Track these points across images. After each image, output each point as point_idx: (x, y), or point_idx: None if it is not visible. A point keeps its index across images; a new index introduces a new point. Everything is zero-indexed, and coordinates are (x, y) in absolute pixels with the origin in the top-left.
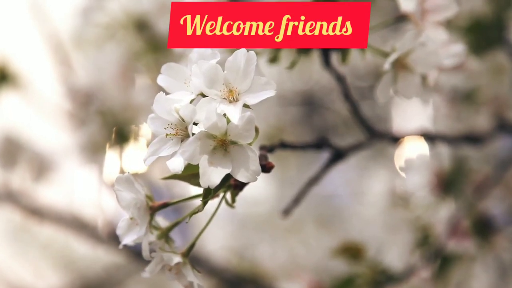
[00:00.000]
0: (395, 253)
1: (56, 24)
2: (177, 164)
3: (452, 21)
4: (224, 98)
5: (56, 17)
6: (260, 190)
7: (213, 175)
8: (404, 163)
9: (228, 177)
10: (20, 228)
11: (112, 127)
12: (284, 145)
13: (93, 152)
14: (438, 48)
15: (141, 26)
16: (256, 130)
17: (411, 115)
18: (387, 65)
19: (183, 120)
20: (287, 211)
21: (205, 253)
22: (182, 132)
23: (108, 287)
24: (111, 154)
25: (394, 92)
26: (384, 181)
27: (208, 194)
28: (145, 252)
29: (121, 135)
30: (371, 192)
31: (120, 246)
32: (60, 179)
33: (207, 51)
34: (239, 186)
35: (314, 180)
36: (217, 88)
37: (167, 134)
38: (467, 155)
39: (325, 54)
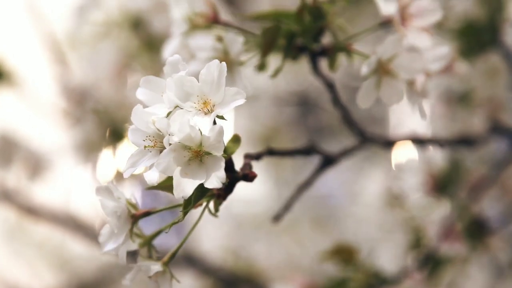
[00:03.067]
0: (388, 255)
1: (51, 23)
2: (153, 177)
3: (444, 24)
4: (199, 110)
5: (52, 16)
6: (255, 190)
7: (186, 186)
8: (399, 165)
9: (208, 187)
10: (16, 228)
11: (107, 126)
12: (271, 152)
13: (88, 150)
14: (422, 53)
15: (137, 24)
16: (238, 139)
17: (408, 116)
18: (365, 69)
19: (160, 132)
20: (278, 217)
21: (201, 253)
22: (160, 144)
23: (104, 287)
24: (106, 153)
25: (378, 98)
26: (379, 182)
27: (189, 204)
28: (122, 260)
29: (116, 134)
30: (366, 193)
31: (101, 253)
32: (55, 178)
33: (178, 61)
34: (222, 196)
35: (304, 186)
36: (192, 100)
37: (145, 146)
38: (462, 157)
39: (314, 60)
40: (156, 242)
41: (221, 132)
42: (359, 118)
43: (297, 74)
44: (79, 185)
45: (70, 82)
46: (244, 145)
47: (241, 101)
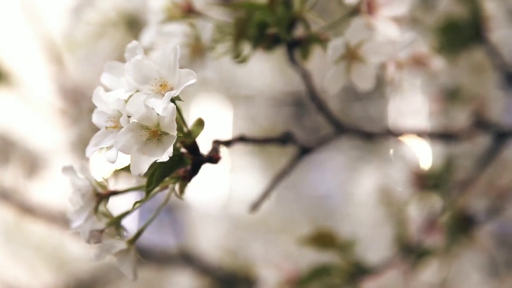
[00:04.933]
0: (376, 248)
1: (47, 22)
2: (112, 155)
3: (426, 21)
4: (157, 93)
5: (48, 16)
6: (253, 190)
7: (142, 163)
8: (387, 160)
9: (171, 168)
10: (14, 228)
11: None
12: (243, 139)
13: (85, 149)
14: (389, 39)
15: (132, 24)
16: (202, 122)
17: (406, 115)
18: (330, 52)
19: (121, 113)
20: (255, 206)
21: (199, 252)
22: (120, 124)
23: (101, 287)
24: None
25: (349, 83)
26: (373, 181)
27: (150, 183)
28: (84, 237)
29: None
30: (361, 192)
31: (69, 231)
32: (52, 177)
33: (136, 47)
34: (187, 177)
35: (281, 175)
36: (150, 83)
37: (106, 127)
38: (450, 153)
39: (289, 51)
40: (155, 241)
41: (173, 111)
42: (357, 117)
43: (293, 75)
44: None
45: (66, 81)
46: (243, 146)
47: (193, 81)
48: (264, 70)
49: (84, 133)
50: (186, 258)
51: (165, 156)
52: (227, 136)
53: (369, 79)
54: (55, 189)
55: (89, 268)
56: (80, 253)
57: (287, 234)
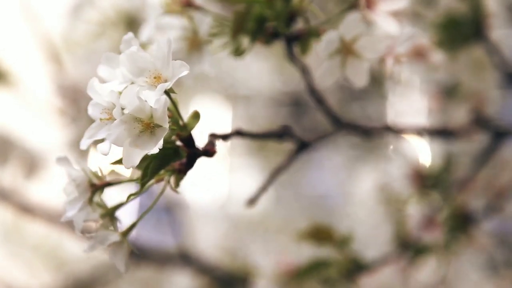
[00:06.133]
0: (376, 246)
1: (46, 22)
2: (105, 147)
3: (428, 17)
4: (151, 85)
5: (47, 15)
6: (252, 190)
7: (135, 156)
8: (386, 159)
9: (166, 161)
10: (12, 228)
11: None
12: (240, 133)
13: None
14: (386, 34)
15: (131, 23)
16: (197, 115)
17: (405, 114)
18: (323, 45)
19: (114, 106)
20: (252, 200)
21: (197, 252)
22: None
23: (100, 287)
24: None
25: (343, 78)
26: (372, 179)
27: (145, 176)
28: (77, 227)
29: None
30: (361, 192)
31: (62, 220)
32: (51, 176)
33: (131, 38)
34: (182, 170)
35: (280, 169)
36: (144, 75)
37: (101, 119)
38: (450, 151)
39: (288, 45)
40: (154, 241)
41: (166, 103)
42: (355, 116)
43: (292, 75)
44: None
45: (65, 81)
46: (242, 145)
47: (185, 72)
48: (263, 70)
49: (83, 133)
50: (184, 258)
51: (155, 148)
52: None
53: (364, 75)
54: (54, 189)
55: (88, 268)
56: (79, 253)
57: (286, 234)
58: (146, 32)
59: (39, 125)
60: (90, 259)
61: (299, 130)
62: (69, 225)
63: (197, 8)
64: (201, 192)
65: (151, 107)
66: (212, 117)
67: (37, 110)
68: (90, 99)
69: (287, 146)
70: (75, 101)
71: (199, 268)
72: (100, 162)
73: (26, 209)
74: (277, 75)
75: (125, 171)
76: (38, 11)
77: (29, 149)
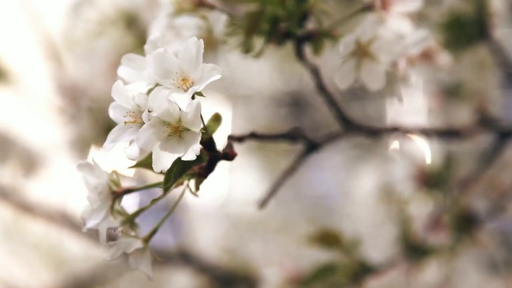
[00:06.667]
0: (378, 246)
1: (46, 20)
2: (133, 151)
3: (432, 17)
4: (178, 87)
5: (47, 13)
6: (252, 190)
7: (165, 160)
8: (389, 158)
9: (188, 164)
10: (12, 227)
11: (102, 123)
12: (254, 136)
13: (83, 147)
14: (402, 38)
15: (131, 22)
16: (219, 118)
17: (405, 114)
18: (342, 48)
19: (140, 108)
20: (263, 203)
21: (197, 251)
22: (140, 120)
23: (100, 286)
24: (100, 150)
25: (358, 80)
26: (373, 179)
27: (168, 180)
28: (102, 236)
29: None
30: (361, 190)
31: (84, 230)
32: (50, 175)
33: (157, 40)
34: (203, 174)
35: (289, 171)
36: (171, 77)
37: (125, 122)
38: (452, 151)
39: (299, 45)
40: (154, 240)
41: (198, 108)
42: (355, 116)
43: (292, 74)
44: (75, 182)
45: (65, 79)
46: (242, 145)
47: (217, 77)
48: (263, 70)
49: (83, 131)
50: (184, 257)
51: (191, 154)
52: (226, 136)
53: (379, 77)
54: (54, 187)
55: (88, 267)
56: (78, 251)
57: (286, 234)
58: (156, 30)
59: (39, 123)
60: (90, 258)
61: None
62: (69, 223)
63: (210, 6)
64: (201, 192)
65: (180, 110)
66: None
67: (37, 109)
68: (90, 97)
69: (287, 146)
70: (74, 99)
71: (199, 267)
72: (104, 164)
73: (26, 207)
74: (277, 75)
75: (127, 171)
76: (38, 10)
77: (29, 148)
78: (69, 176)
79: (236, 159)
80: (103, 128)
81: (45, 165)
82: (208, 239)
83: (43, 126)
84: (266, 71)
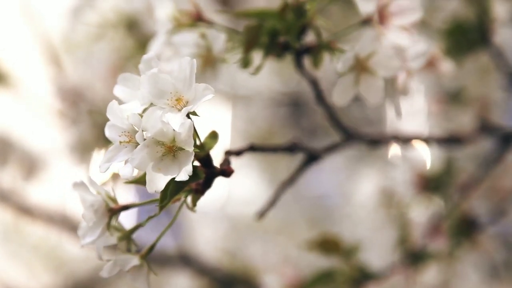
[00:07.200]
0: (377, 251)
1: (46, 24)
2: (127, 171)
3: (433, 24)
4: (172, 107)
5: (47, 17)
6: (250, 191)
7: (159, 180)
8: (390, 164)
9: (184, 183)
10: (12, 229)
11: (102, 127)
12: (253, 149)
13: (83, 151)
14: (402, 51)
15: (131, 25)
16: (215, 135)
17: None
18: (340, 64)
19: (135, 128)
20: (262, 213)
21: (197, 253)
22: (135, 139)
23: (100, 287)
24: (101, 154)
25: (357, 96)
26: (374, 182)
27: (164, 198)
28: (98, 253)
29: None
30: (360, 194)
31: (80, 246)
32: (50, 178)
33: (151, 59)
34: (200, 191)
35: (288, 182)
36: (165, 97)
37: (120, 142)
38: (453, 155)
39: (298, 58)
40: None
41: (190, 127)
42: (354, 120)
43: (291, 76)
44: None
45: (65, 83)
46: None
47: (210, 96)
48: (263, 71)
49: (83, 135)
50: (184, 259)
51: (183, 174)
52: (226, 136)
53: (378, 92)
54: (53, 190)
55: (87, 268)
56: (78, 253)
57: (286, 235)
58: (155, 47)
59: (39, 126)
60: (89, 260)
61: (298, 131)
62: (68, 226)
63: (208, 22)
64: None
65: (174, 130)
66: (211, 117)
67: (37, 112)
68: (90, 101)
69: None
70: (74, 103)
71: (199, 269)
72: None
73: (26, 210)
74: (276, 76)
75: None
76: (38, 13)
77: (29, 151)
78: (68, 179)
79: (236, 160)
80: (103, 131)
81: (45, 168)
82: (207, 241)
83: (43, 129)
84: (265, 72)
